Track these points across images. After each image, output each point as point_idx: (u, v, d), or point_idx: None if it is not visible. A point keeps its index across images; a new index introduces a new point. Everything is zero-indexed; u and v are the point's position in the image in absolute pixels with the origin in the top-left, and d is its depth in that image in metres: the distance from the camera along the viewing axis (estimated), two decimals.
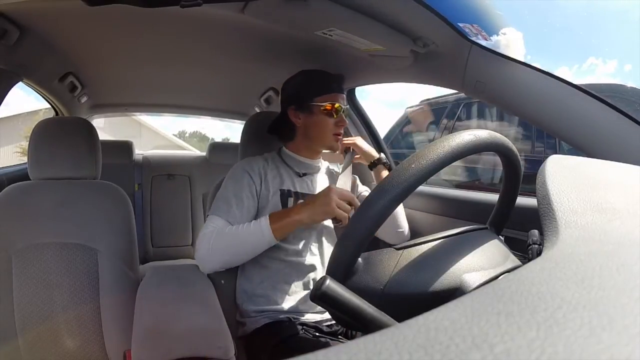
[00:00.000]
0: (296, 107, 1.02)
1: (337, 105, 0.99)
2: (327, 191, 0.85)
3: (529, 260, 0.51)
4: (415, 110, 3.73)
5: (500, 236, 0.58)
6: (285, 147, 1.08)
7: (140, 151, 2.34)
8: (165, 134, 11.07)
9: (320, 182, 1.07)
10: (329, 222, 1.01)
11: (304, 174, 1.05)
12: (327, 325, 0.95)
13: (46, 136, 1.02)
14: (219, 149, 2.26)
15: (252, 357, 0.91)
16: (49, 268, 0.95)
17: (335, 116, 1.00)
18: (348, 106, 1.05)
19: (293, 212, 0.87)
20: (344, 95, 1.04)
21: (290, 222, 0.86)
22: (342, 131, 1.02)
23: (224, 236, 0.88)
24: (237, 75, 1.59)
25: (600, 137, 0.73)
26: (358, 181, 1.17)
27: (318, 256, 1.00)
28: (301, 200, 0.98)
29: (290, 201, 0.99)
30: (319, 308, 0.95)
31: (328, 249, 1.02)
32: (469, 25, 0.83)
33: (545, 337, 0.16)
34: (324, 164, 1.13)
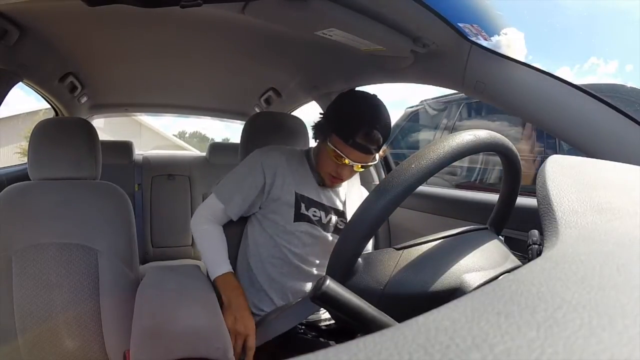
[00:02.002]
0: (324, 124, 0.95)
1: (346, 160, 0.89)
2: (244, 320, 0.85)
3: (529, 260, 0.51)
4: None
5: (500, 236, 0.58)
6: (314, 151, 1.02)
7: (140, 151, 2.35)
8: (165, 134, 11.07)
9: (340, 195, 1.03)
10: (335, 236, 0.99)
11: (324, 185, 1.01)
12: (327, 325, 0.95)
13: (46, 136, 1.02)
14: (219, 149, 2.26)
15: (252, 358, 0.90)
16: (49, 268, 0.95)
17: (338, 162, 0.91)
18: (372, 163, 0.93)
19: (228, 295, 0.88)
20: (372, 156, 0.90)
21: (222, 293, 0.89)
22: (342, 178, 0.94)
23: (205, 236, 0.97)
24: (237, 75, 1.59)
25: (600, 137, 0.73)
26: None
27: (321, 266, 0.99)
28: (313, 209, 0.97)
29: (302, 207, 0.96)
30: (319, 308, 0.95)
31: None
32: (469, 25, 0.83)
33: (545, 337, 0.16)
34: (353, 176, 1.04)
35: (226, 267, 0.92)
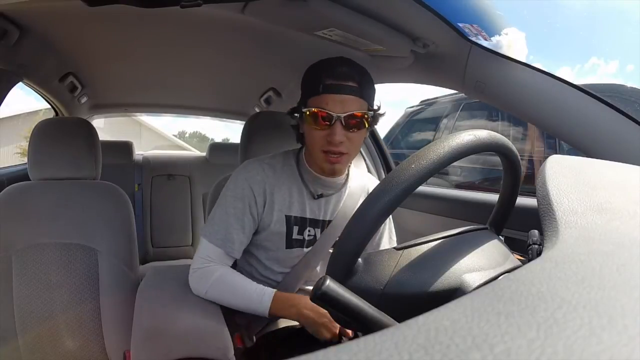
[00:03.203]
0: (298, 106, 0.84)
1: (321, 112, 0.76)
2: (315, 308, 0.76)
3: (529, 260, 0.51)
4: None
5: (500, 236, 0.58)
6: (305, 152, 0.89)
7: (141, 151, 2.35)
8: (165, 134, 11.07)
9: (337, 205, 0.88)
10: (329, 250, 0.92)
11: (320, 195, 0.86)
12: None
13: (46, 136, 1.02)
14: (219, 149, 2.27)
15: (252, 358, 0.90)
16: (49, 268, 0.95)
17: (321, 127, 0.77)
18: (366, 114, 0.79)
19: (298, 305, 0.77)
20: (353, 98, 0.77)
21: (290, 314, 0.79)
22: (337, 149, 0.78)
23: (221, 286, 0.81)
24: (237, 75, 1.59)
25: (600, 137, 0.73)
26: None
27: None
28: (307, 229, 0.86)
29: (295, 230, 0.85)
30: None
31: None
32: (469, 25, 0.83)
33: (545, 337, 0.16)
34: (354, 179, 0.92)
35: (268, 290, 0.80)
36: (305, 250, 0.88)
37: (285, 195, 0.85)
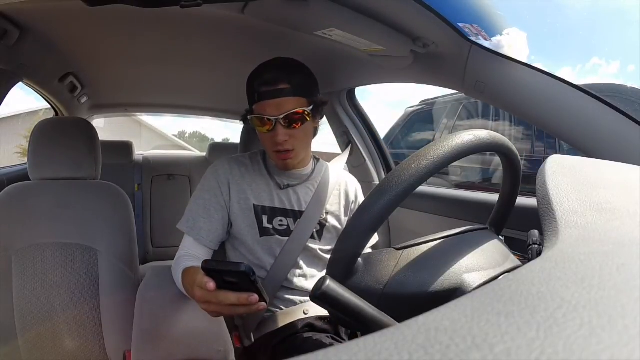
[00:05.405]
0: (246, 113, 0.91)
1: (261, 118, 0.83)
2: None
3: (529, 260, 0.51)
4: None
5: (500, 236, 0.58)
6: None
7: (140, 151, 2.35)
8: (165, 134, 11.09)
9: (306, 196, 0.94)
10: (314, 244, 0.93)
11: (287, 186, 0.92)
12: (326, 323, 0.94)
13: (46, 136, 1.02)
14: (218, 149, 2.27)
15: (250, 358, 0.90)
16: (49, 268, 0.95)
17: (265, 130, 0.84)
18: (304, 109, 0.83)
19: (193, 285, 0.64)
20: (286, 99, 0.82)
21: (191, 294, 0.69)
22: (283, 147, 0.84)
23: (176, 268, 0.82)
24: (237, 75, 1.58)
25: (600, 137, 0.73)
26: (354, 190, 1.02)
27: (302, 274, 0.93)
28: (279, 218, 0.90)
29: (265, 219, 0.89)
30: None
31: (310, 264, 0.94)
32: (469, 25, 0.83)
33: (545, 337, 0.16)
34: (325, 173, 0.98)
35: (186, 267, 0.76)
36: (283, 239, 0.90)
37: (253, 187, 0.91)
